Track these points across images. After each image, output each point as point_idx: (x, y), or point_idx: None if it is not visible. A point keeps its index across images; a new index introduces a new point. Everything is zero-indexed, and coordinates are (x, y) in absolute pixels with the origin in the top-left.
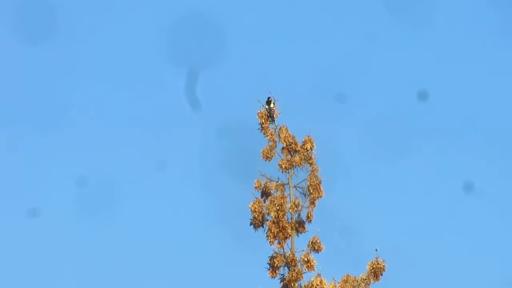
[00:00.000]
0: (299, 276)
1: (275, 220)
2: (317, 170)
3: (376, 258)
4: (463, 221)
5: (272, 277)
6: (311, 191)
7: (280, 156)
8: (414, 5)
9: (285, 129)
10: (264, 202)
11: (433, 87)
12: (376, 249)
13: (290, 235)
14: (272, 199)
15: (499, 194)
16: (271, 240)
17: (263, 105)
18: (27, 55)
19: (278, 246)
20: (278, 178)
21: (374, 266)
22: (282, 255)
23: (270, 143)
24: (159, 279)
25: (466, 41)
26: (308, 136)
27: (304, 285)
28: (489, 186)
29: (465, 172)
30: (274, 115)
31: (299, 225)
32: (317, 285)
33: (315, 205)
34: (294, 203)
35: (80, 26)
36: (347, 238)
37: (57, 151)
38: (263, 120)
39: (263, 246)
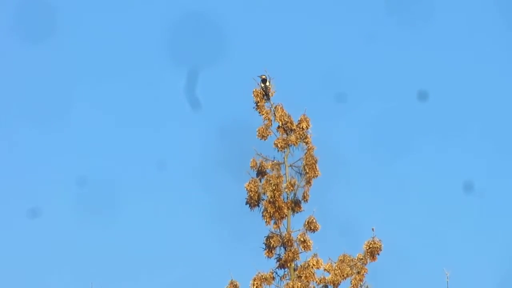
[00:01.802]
0: (295, 256)
1: (271, 200)
2: (313, 149)
3: (373, 237)
4: (463, 221)
5: (268, 257)
6: (307, 170)
7: (276, 135)
8: (414, 4)
9: (280, 108)
10: (260, 181)
11: (433, 87)
12: (373, 229)
13: (286, 215)
14: (268, 178)
15: (500, 194)
16: (267, 220)
17: (258, 84)
18: (27, 54)
19: (274, 226)
20: (274, 157)
21: (371, 246)
22: (278, 235)
23: (266, 122)
24: (159, 278)
25: (466, 40)
26: (303, 115)
27: (301, 265)
28: (489, 186)
29: (465, 172)
30: (270, 94)
31: (295, 205)
32: (314, 265)
33: (311, 184)
34: (290, 182)
35: (80, 26)
36: (346, 237)
37: (57, 151)
38: (259, 99)
39: (259, 228)
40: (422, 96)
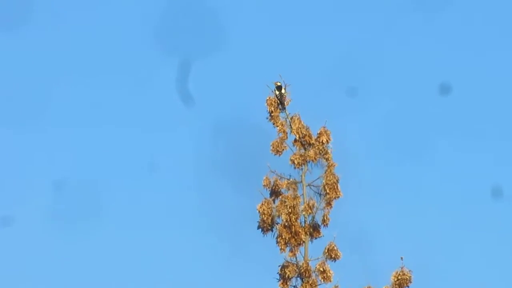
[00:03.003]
0: None
1: (286, 223)
2: (334, 166)
3: (401, 267)
4: (491, 233)
5: None
6: (327, 191)
7: (292, 150)
8: None
9: (297, 119)
10: (274, 202)
11: (456, 80)
12: (402, 258)
13: (303, 241)
14: (283, 199)
15: None
16: (282, 247)
17: (272, 91)
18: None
19: (290, 254)
20: (290, 175)
21: (399, 277)
22: (295, 264)
23: (281, 135)
24: None
25: (494, 27)
26: (323, 127)
27: None
28: None
29: (493, 176)
30: (285, 102)
31: (314, 230)
32: None
33: (331, 207)
34: (308, 204)
35: (59, 13)
36: (358, 249)
37: (33, 152)
38: (273, 108)
39: (272, 253)
40: (444, 90)
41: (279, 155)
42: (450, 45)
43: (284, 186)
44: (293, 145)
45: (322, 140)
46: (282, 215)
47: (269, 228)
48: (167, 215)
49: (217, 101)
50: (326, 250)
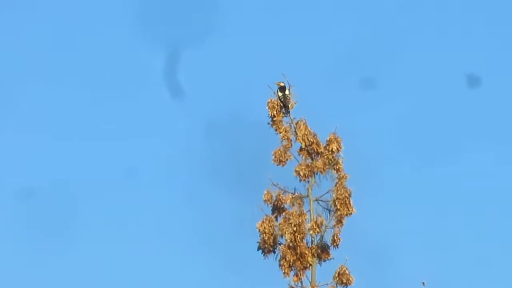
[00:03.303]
0: None
1: (291, 244)
2: (346, 178)
3: None
4: None
5: None
6: (338, 207)
7: (297, 160)
8: None
9: (303, 124)
10: (277, 220)
11: (486, 71)
12: (423, 283)
13: (310, 264)
14: (287, 216)
15: None
16: (286, 270)
17: (275, 92)
18: None
19: (295, 278)
20: (295, 189)
21: None
22: None
23: (284, 143)
24: None
25: None
26: (333, 134)
27: None
28: None
29: None
30: (290, 105)
31: (322, 251)
32: None
33: (342, 225)
34: (315, 222)
35: None
36: (374, 273)
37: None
38: (275, 112)
39: (274, 278)
40: (473, 82)
41: (283, 165)
42: (479, 30)
43: (288, 201)
44: (299, 154)
45: (332, 149)
46: (286, 235)
47: (271, 249)
48: (153, 228)
49: (211, 95)
50: (337, 275)
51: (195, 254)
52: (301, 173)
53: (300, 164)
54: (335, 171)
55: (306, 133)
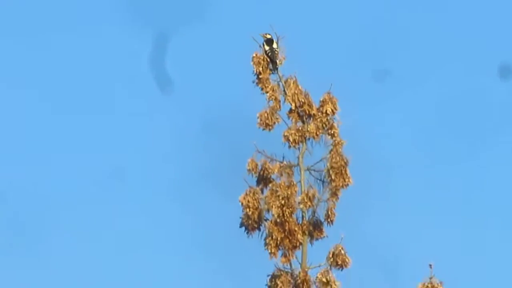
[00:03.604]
0: None
1: (278, 220)
2: (342, 144)
3: (430, 278)
4: None
5: None
6: (333, 177)
7: (287, 124)
8: None
9: (294, 82)
10: (262, 192)
11: None
12: (431, 265)
13: (300, 243)
14: (274, 188)
15: None
16: (273, 250)
17: (260, 46)
18: None
19: (283, 259)
20: (284, 157)
21: None
22: (289, 273)
23: (271, 103)
24: None
25: None
26: (328, 93)
27: None
28: None
29: None
30: (278, 61)
31: (315, 228)
32: None
33: (338, 198)
34: (307, 194)
35: None
36: (374, 254)
37: None
38: (261, 68)
39: (259, 259)
40: (505, 72)
41: (269, 130)
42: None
43: (276, 170)
44: (288, 117)
45: (326, 110)
46: (273, 209)
47: (256, 226)
48: (141, 233)
49: (205, 87)
50: (331, 255)
51: (191, 263)
52: (291, 139)
53: (290, 128)
54: (329, 136)
55: (296, 92)
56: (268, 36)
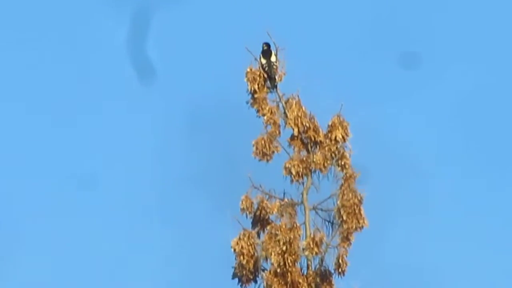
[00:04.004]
0: None
1: (279, 270)
2: (354, 177)
3: None
4: None
5: None
6: (344, 217)
7: (288, 153)
8: None
9: (296, 102)
10: (259, 236)
11: None
12: None
13: None
14: (273, 231)
15: None
16: None
17: (255, 58)
18: None
19: None
20: (285, 193)
21: None
22: None
23: (270, 128)
24: None
25: None
26: (337, 115)
27: None
28: None
29: None
30: (277, 77)
31: (323, 280)
32: None
33: (350, 243)
34: (313, 239)
35: None
36: None
37: None
38: (257, 86)
39: None
40: None
41: (267, 160)
42: None
43: (275, 210)
44: (290, 145)
45: (336, 137)
46: (272, 257)
47: (251, 277)
48: (115, 253)
49: (190, 74)
50: None
51: (173, 278)
52: (293, 171)
53: (292, 159)
54: (339, 168)
55: (299, 114)
56: (265, 47)
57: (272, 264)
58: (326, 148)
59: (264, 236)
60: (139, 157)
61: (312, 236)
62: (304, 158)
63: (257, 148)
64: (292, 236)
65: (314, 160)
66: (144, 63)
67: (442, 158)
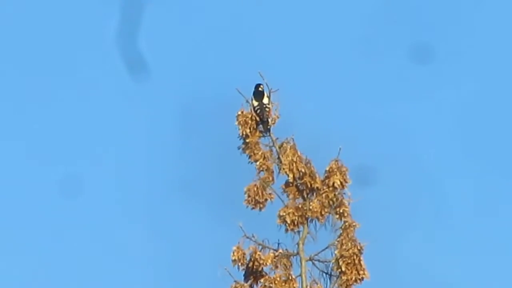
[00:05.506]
0: None
1: None
2: (354, 227)
3: None
4: None
5: None
6: (343, 269)
7: (282, 201)
8: None
9: (291, 147)
10: None
11: None
12: None
13: None
14: (267, 284)
15: None
16: None
17: (247, 101)
18: None
19: None
20: (279, 244)
21: None
22: None
23: (262, 175)
24: None
25: None
26: (336, 159)
27: None
28: None
29: None
30: (270, 120)
31: None
32: None
33: None
34: None
35: None
36: None
37: None
38: (249, 130)
39: None
40: None
41: (260, 209)
42: None
43: (269, 261)
44: (284, 192)
45: (334, 183)
46: None
47: None
48: (98, 264)
49: (185, 70)
50: None
51: None
52: (288, 220)
53: (287, 206)
54: (338, 217)
55: (295, 160)
56: (260, 89)
57: None
58: (324, 195)
59: None
60: (128, 160)
61: None
62: (300, 206)
63: (249, 196)
64: None
65: (311, 208)
66: (136, 58)
67: (459, 167)
